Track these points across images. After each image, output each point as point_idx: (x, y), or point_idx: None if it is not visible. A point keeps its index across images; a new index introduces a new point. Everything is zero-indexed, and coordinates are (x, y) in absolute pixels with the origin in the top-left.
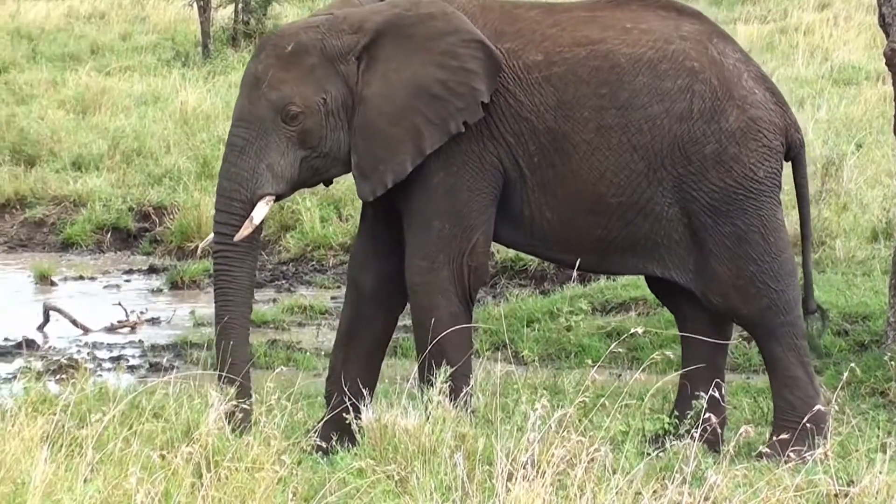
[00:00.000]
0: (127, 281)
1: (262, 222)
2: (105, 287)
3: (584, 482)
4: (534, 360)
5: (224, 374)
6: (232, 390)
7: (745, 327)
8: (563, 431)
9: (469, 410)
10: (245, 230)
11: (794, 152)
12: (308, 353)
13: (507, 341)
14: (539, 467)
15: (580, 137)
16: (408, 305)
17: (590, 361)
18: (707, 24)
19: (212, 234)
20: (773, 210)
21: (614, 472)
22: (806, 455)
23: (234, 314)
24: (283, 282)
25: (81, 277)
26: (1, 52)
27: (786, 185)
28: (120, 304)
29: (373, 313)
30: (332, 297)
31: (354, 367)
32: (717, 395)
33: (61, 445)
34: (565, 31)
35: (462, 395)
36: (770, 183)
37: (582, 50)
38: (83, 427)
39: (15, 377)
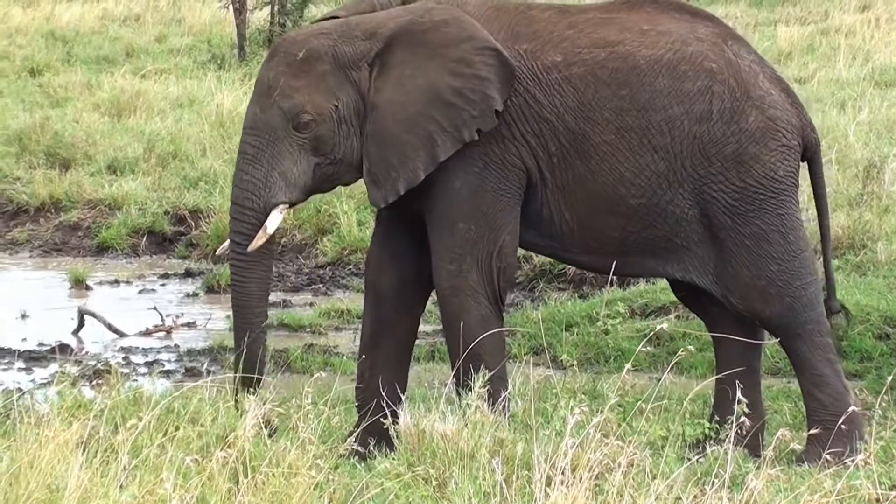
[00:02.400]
0: (162, 285)
1: (276, 230)
2: (140, 291)
3: (623, 487)
4: (572, 364)
5: (238, 384)
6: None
7: (768, 328)
8: (602, 436)
9: (507, 415)
10: (259, 240)
11: (810, 152)
12: (345, 357)
13: (546, 345)
14: (577, 472)
15: (600, 139)
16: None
17: (628, 365)
18: (721, 26)
19: (227, 241)
20: (792, 209)
21: (653, 477)
22: (846, 458)
23: (244, 325)
24: (320, 285)
25: (117, 282)
26: (36, 54)
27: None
28: (155, 308)
29: (394, 316)
30: None
31: (383, 371)
32: (754, 398)
33: (96, 451)
34: (583, 32)
35: (500, 399)
36: (789, 182)
37: (601, 52)
38: (118, 432)
39: (50, 382)
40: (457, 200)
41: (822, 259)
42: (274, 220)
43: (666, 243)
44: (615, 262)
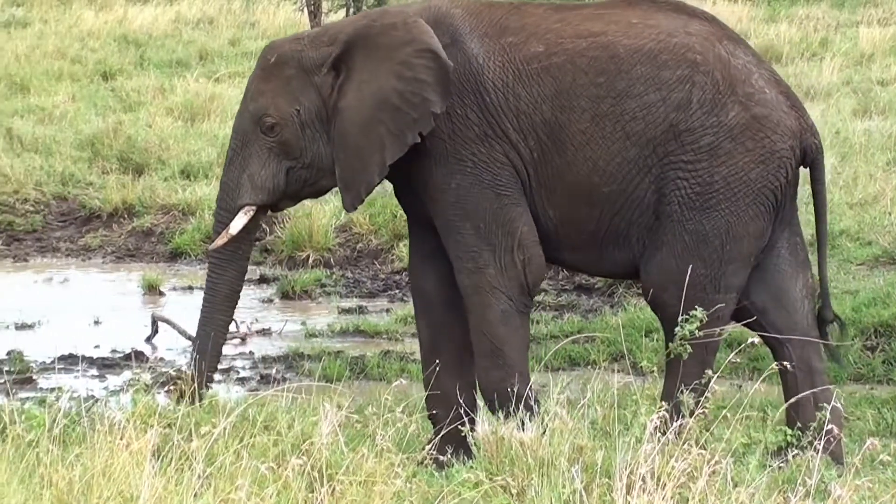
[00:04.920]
0: None
1: (248, 232)
2: None
3: (706, 495)
4: (652, 371)
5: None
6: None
7: (665, 324)
8: (683, 443)
9: (534, 412)
10: (220, 240)
11: (810, 157)
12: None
13: (626, 351)
14: (659, 480)
15: (576, 127)
16: None
17: (709, 372)
18: (719, 26)
19: (218, 239)
20: (745, 219)
21: (736, 486)
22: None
23: (206, 322)
24: (397, 291)
25: (190, 288)
26: (108, 58)
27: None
28: None
29: (445, 318)
30: None
31: (448, 376)
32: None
33: (171, 459)
34: (569, 24)
35: (523, 397)
36: (758, 188)
37: (582, 41)
38: (193, 440)
39: (123, 389)
40: (458, 199)
41: (817, 267)
42: (238, 222)
43: (627, 229)
44: (596, 259)
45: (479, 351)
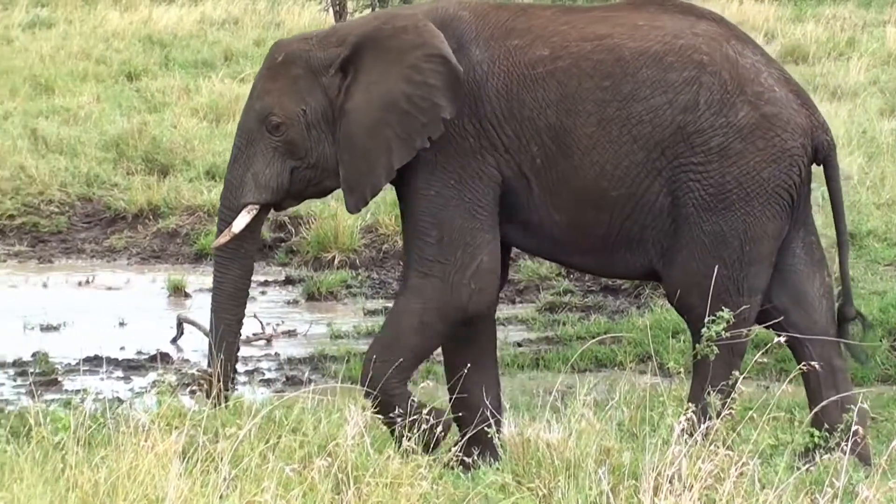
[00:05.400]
0: (262, 292)
1: (251, 231)
2: None
3: (733, 497)
4: (679, 372)
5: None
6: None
7: (692, 326)
8: (711, 445)
9: (402, 420)
10: (222, 238)
11: (822, 154)
12: None
13: (652, 353)
14: (686, 482)
15: (582, 132)
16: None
17: (736, 374)
18: (727, 27)
19: (221, 237)
20: (762, 219)
21: (763, 487)
22: None
23: (217, 322)
24: None
25: None
26: (133, 58)
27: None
28: (255, 316)
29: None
30: None
31: (472, 378)
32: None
33: (196, 460)
34: (575, 27)
35: (388, 409)
36: (772, 187)
37: (588, 44)
38: (218, 442)
39: (149, 391)
40: (433, 207)
41: (838, 264)
42: (240, 221)
43: (641, 233)
44: (606, 262)
45: (379, 339)
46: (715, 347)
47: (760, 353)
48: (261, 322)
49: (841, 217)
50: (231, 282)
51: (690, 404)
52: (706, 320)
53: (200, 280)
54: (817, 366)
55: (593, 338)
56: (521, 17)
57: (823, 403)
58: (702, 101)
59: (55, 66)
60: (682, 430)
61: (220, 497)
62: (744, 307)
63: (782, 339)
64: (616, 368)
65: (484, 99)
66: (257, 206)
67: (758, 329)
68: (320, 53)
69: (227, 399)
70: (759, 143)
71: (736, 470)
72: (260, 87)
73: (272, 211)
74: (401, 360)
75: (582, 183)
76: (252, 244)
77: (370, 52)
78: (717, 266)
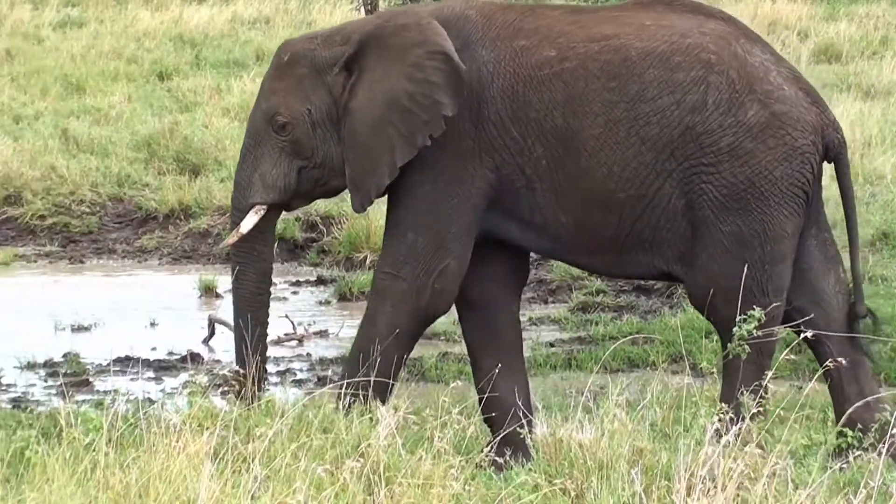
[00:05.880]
0: (294, 293)
1: (262, 232)
2: (271, 299)
3: (766, 497)
4: (712, 372)
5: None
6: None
7: (719, 328)
8: (744, 445)
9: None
10: (230, 238)
11: (833, 152)
12: None
13: (685, 353)
14: (719, 482)
15: (589, 133)
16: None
17: (769, 373)
18: (736, 25)
19: (229, 238)
20: (780, 218)
21: (796, 487)
22: None
23: (238, 326)
24: None
25: None
26: (164, 58)
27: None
28: (287, 316)
29: (491, 320)
30: None
31: (502, 378)
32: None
33: (227, 461)
34: (583, 27)
35: (374, 405)
36: (786, 184)
37: (595, 45)
38: (250, 442)
39: (180, 392)
40: (414, 210)
41: (850, 262)
42: (248, 221)
43: (654, 234)
44: (614, 262)
45: (354, 346)
46: (746, 347)
47: (787, 350)
48: (292, 322)
49: (853, 214)
50: (247, 286)
51: (723, 404)
52: (737, 319)
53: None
54: (844, 362)
55: (625, 338)
56: (528, 17)
57: (856, 405)
58: (710, 101)
59: (86, 65)
60: (715, 430)
61: (252, 498)
62: (771, 306)
63: (809, 335)
64: (648, 368)
65: (488, 100)
66: (265, 207)
67: (783, 329)
68: (325, 52)
69: (257, 399)
70: (769, 142)
71: (769, 470)
72: (266, 87)
73: (284, 212)
74: (379, 367)
75: (589, 184)
76: (265, 246)
77: (373, 51)
78: (738, 267)
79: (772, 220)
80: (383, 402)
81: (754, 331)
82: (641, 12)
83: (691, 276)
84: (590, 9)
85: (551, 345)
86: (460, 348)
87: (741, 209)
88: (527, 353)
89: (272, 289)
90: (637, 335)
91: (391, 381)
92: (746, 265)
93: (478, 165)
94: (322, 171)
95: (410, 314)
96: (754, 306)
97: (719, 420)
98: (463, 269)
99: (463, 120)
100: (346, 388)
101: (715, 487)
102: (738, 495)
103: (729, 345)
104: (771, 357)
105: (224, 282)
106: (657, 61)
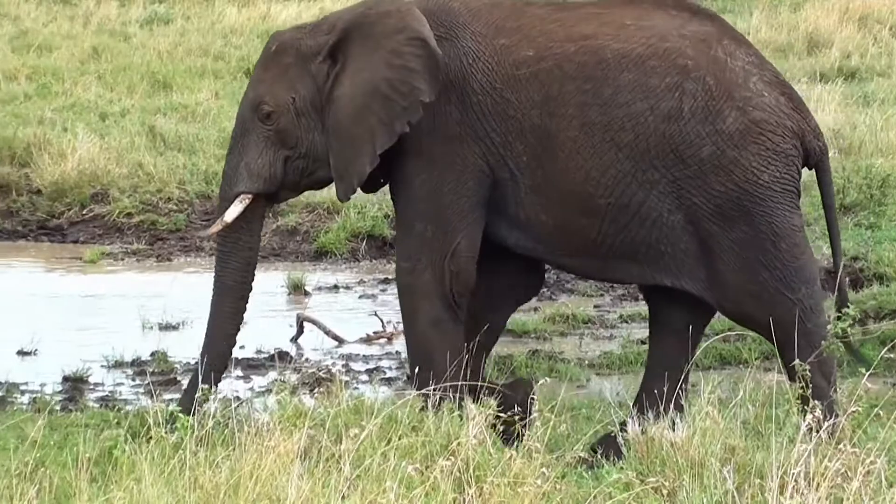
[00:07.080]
0: (383, 290)
1: (248, 222)
2: (360, 297)
3: (860, 496)
4: (805, 370)
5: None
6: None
7: (766, 335)
8: (837, 444)
9: (456, 413)
10: (214, 227)
11: (814, 159)
12: (571, 364)
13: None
14: (812, 480)
15: (565, 135)
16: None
17: (863, 370)
18: (720, 26)
19: (212, 227)
20: (784, 215)
21: (891, 486)
22: None
23: (213, 314)
24: (545, 290)
25: (336, 287)
26: (251, 54)
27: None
28: (376, 314)
29: (499, 317)
30: (595, 306)
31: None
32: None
33: (317, 461)
34: (563, 26)
35: (445, 401)
36: (778, 188)
37: (572, 45)
38: (340, 442)
39: (269, 391)
40: (415, 200)
41: (833, 266)
42: (233, 210)
43: (648, 249)
44: (600, 267)
45: (409, 351)
46: (840, 344)
47: (887, 349)
48: (381, 320)
49: (834, 223)
50: (230, 275)
51: (817, 402)
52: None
53: (320, 278)
54: None
55: (717, 335)
56: (512, 14)
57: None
58: (686, 109)
59: (173, 62)
60: (809, 428)
61: (342, 497)
62: (808, 300)
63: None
64: (740, 366)
65: (469, 91)
66: (250, 196)
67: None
68: (310, 41)
69: (207, 393)
70: (752, 148)
71: (863, 468)
72: (254, 77)
73: (272, 203)
74: (435, 363)
75: (568, 186)
76: (250, 237)
77: (356, 39)
78: (758, 272)
79: (776, 219)
80: (457, 392)
81: (808, 327)
82: (626, 9)
83: (719, 293)
84: (575, 5)
85: (642, 342)
86: (550, 346)
87: (743, 215)
88: (618, 351)
89: (361, 287)
90: (729, 332)
91: (461, 371)
92: (764, 267)
93: (468, 151)
94: (307, 160)
95: (442, 301)
96: (785, 305)
97: (813, 418)
98: (474, 248)
99: (450, 106)
100: (425, 398)
101: (808, 486)
102: (832, 494)
103: (823, 341)
104: (819, 345)
105: (313, 280)
106: (632, 64)
